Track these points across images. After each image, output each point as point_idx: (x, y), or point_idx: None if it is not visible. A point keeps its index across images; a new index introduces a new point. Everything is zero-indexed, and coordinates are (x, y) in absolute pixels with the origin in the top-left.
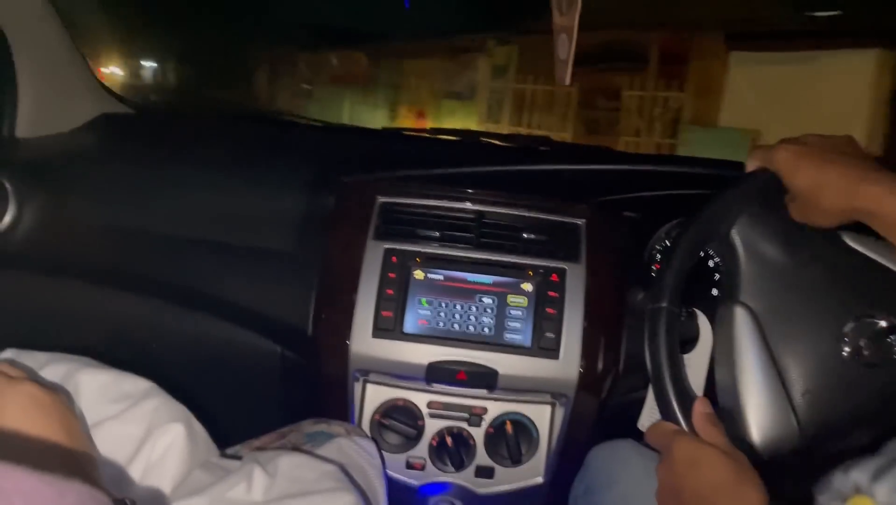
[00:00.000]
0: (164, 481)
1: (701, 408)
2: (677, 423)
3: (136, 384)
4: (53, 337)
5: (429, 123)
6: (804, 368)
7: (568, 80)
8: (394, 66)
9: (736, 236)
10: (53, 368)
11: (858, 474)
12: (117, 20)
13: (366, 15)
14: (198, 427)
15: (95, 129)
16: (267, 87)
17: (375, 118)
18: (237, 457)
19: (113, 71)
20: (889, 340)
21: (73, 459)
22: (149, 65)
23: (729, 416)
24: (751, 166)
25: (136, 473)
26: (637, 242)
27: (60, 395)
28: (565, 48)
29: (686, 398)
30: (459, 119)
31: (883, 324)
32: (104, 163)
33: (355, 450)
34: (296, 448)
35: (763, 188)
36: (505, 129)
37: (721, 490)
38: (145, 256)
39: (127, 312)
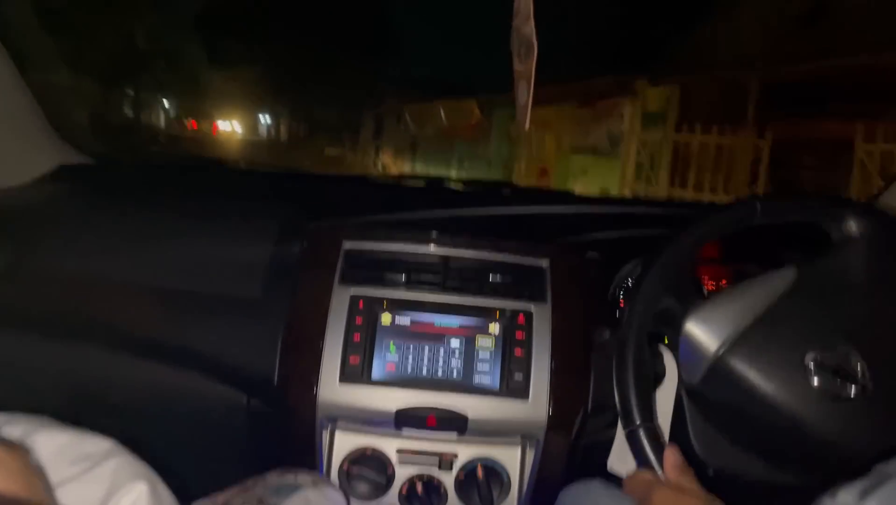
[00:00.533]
0: None
1: (672, 457)
2: (651, 466)
3: (96, 444)
4: (10, 394)
5: (554, 183)
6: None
7: (527, 126)
8: (510, 115)
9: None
10: (9, 429)
11: (845, 496)
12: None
13: (475, 63)
14: (161, 486)
15: (54, 180)
16: (371, 142)
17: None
18: None
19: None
20: (853, 371)
21: None
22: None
23: (697, 445)
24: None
25: None
26: (601, 282)
27: (20, 450)
28: (524, 94)
29: (658, 443)
30: (596, 178)
31: (845, 355)
32: (63, 214)
33: (323, 500)
34: (261, 502)
35: (723, 227)
36: (663, 191)
37: None
38: (107, 307)
39: (87, 364)
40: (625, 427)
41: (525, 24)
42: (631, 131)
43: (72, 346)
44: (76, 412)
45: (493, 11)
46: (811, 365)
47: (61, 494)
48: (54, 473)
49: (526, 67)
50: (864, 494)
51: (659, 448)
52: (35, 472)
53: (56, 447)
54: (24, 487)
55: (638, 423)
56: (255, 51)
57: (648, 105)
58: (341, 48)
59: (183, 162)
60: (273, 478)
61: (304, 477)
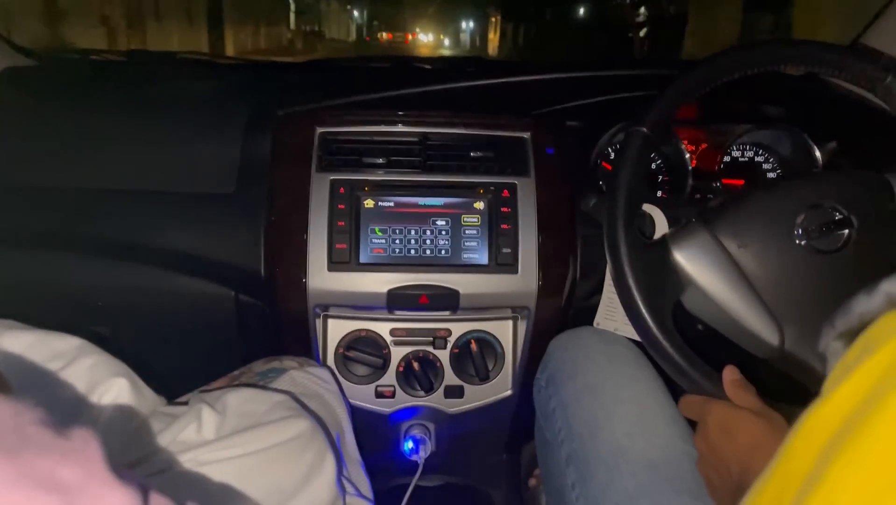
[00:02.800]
0: (111, 437)
1: (730, 375)
2: (695, 381)
3: (66, 341)
4: None
5: None
6: (769, 272)
7: None
8: None
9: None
10: None
11: (890, 285)
12: None
13: None
14: (139, 381)
15: (2, 84)
16: None
17: None
18: (184, 403)
19: None
20: (837, 226)
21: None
22: None
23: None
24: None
25: None
26: (582, 150)
27: None
28: None
29: (695, 357)
30: None
31: (832, 213)
32: (15, 120)
33: (309, 379)
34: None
35: (705, 82)
36: None
37: (758, 451)
38: (77, 215)
39: (66, 273)
40: (654, 352)
41: None
42: None
43: (48, 256)
44: (61, 321)
45: None
46: (800, 228)
47: (36, 392)
48: (25, 373)
49: None
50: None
51: (707, 371)
52: None
53: (23, 347)
54: None
55: (675, 355)
56: None
57: None
58: None
59: (137, 57)
60: (258, 365)
61: (289, 361)
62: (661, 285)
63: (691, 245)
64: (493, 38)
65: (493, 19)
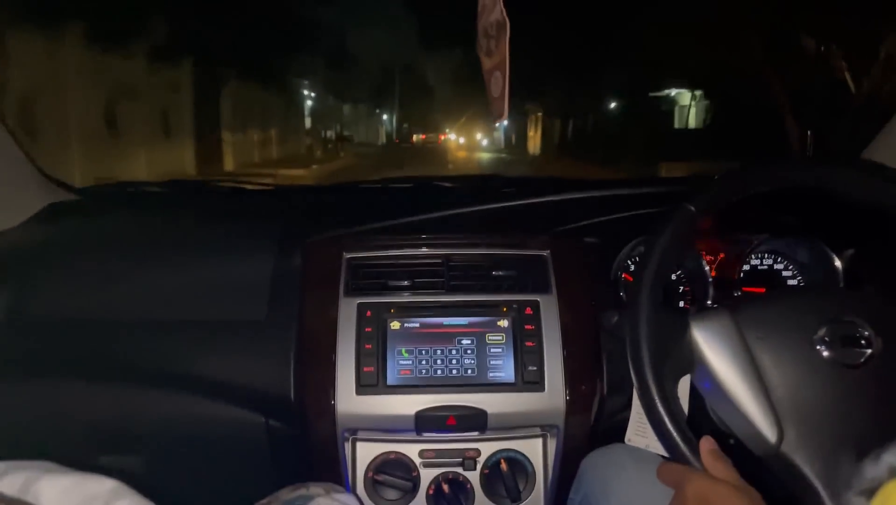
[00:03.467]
0: None
1: (707, 445)
2: (682, 456)
3: (100, 484)
4: (28, 439)
5: None
6: (781, 371)
7: (505, 114)
8: None
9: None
10: (10, 479)
11: (891, 456)
12: None
13: None
14: None
15: (44, 220)
16: None
17: None
18: None
19: None
20: (860, 342)
21: None
22: None
23: (714, 416)
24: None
25: None
26: (602, 266)
27: None
28: (499, 84)
29: (685, 431)
30: None
31: (856, 329)
32: (57, 254)
33: None
34: None
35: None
36: None
37: None
38: (113, 345)
39: (102, 404)
40: (647, 413)
41: (493, 12)
42: None
43: (85, 387)
44: (97, 452)
45: None
46: (822, 337)
47: None
48: None
49: (498, 56)
50: None
51: (687, 437)
52: None
53: (59, 492)
54: None
55: (661, 409)
56: None
57: None
58: None
59: (173, 186)
60: (285, 493)
61: (315, 488)
62: (670, 356)
63: (712, 326)
64: (534, 135)
65: (535, 116)
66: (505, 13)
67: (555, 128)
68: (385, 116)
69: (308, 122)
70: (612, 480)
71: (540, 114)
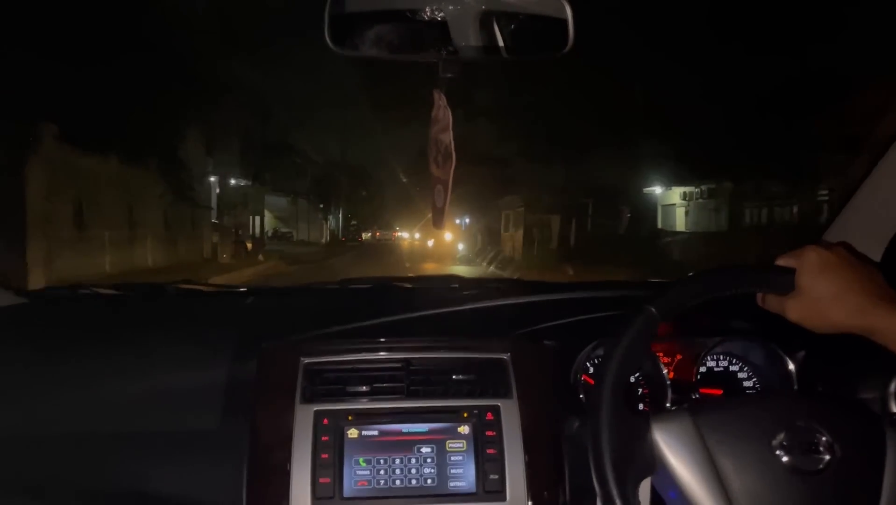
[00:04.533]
0: None
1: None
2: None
3: None
4: None
5: None
6: (742, 476)
7: (442, 227)
8: None
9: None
10: None
11: None
12: None
13: None
14: None
15: None
16: None
17: None
18: None
19: None
20: (819, 448)
21: None
22: None
23: None
24: (779, 262)
25: None
26: (561, 369)
27: None
28: (441, 198)
29: (625, 483)
30: None
31: (815, 435)
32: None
33: None
34: None
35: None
36: None
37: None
38: (56, 462)
39: None
40: (599, 491)
41: (444, 134)
42: None
43: None
44: None
45: None
46: (780, 443)
47: None
48: None
49: (443, 172)
50: None
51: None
52: None
53: None
54: None
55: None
56: None
57: None
58: None
59: (125, 289)
60: None
61: None
62: (632, 459)
63: (673, 428)
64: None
65: (507, 214)
66: (453, 147)
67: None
68: (331, 217)
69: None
70: None
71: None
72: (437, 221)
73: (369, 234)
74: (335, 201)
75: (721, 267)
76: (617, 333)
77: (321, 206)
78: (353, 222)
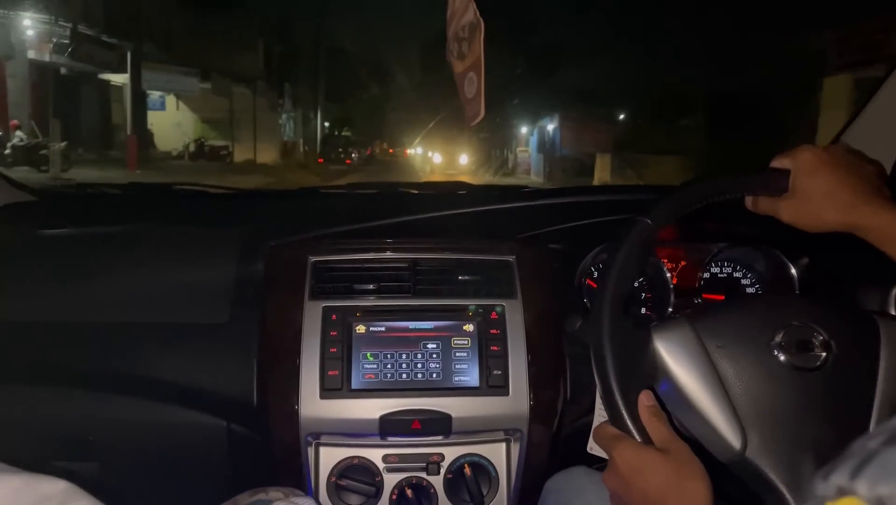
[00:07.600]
0: None
1: (645, 401)
2: (623, 423)
3: (53, 485)
4: None
5: None
6: (742, 378)
7: (482, 114)
8: None
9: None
10: None
11: (838, 477)
12: None
13: None
14: None
15: (1, 221)
16: None
17: None
18: None
19: None
20: (816, 346)
21: None
22: None
23: (679, 424)
24: (774, 164)
25: None
26: (566, 272)
27: None
28: (474, 85)
29: (629, 394)
30: None
31: (812, 333)
32: (13, 256)
33: None
34: None
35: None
36: None
37: (666, 489)
38: (70, 348)
39: (59, 408)
40: (612, 421)
41: (464, 14)
42: None
43: (41, 390)
44: (52, 455)
45: None
46: (779, 342)
47: None
48: None
49: (471, 58)
50: (855, 473)
51: (633, 411)
52: None
53: (11, 491)
54: None
55: (626, 417)
56: None
57: None
58: None
59: (133, 189)
60: (244, 498)
61: (274, 492)
62: (634, 366)
63: (673, 337)
64: None
65: None
66: (478, 13)
67: None
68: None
69: None
70: (573, 502)
71: None
72: (475, 111)
73: (367, 151)
74: (311, 97)
75: (719, 174)
76: (615, 244)
77: (283, 102)
78: (344, 132)
